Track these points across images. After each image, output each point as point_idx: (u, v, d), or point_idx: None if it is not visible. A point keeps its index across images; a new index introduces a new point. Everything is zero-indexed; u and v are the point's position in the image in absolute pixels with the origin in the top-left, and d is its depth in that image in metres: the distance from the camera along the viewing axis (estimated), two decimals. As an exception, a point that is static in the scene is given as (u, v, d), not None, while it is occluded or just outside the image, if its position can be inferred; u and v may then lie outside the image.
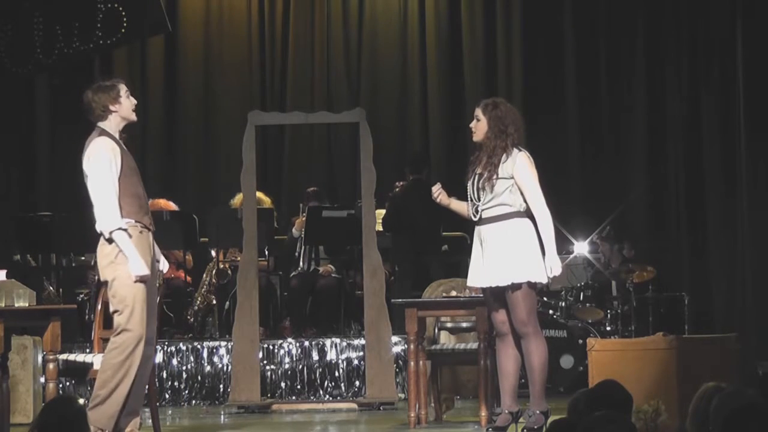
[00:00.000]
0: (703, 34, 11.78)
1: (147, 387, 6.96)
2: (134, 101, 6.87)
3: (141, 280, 6.58)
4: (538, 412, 7.06)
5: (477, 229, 7.14)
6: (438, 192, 7.28)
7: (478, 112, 7.18)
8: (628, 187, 12.03)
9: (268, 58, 13.06)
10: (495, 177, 7.01)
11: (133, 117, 6.84)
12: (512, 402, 7.16)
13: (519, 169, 7.04)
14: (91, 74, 11.70)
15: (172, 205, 11.30)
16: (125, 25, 10.48)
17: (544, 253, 7.05)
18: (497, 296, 7.10)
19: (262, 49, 13.06)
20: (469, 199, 7.18)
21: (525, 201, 7.07)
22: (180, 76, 13.04)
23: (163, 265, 6.97)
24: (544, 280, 7.12)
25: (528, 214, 7.09)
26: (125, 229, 6.61)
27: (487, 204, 7.06)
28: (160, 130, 12.96)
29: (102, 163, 6.63)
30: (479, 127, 7.16)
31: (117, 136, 6.77)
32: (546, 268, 7.00)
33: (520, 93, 12.57)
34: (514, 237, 7.01)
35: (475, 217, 7.12)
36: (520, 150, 7.07)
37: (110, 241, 6.61)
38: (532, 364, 7.07)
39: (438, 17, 12.84)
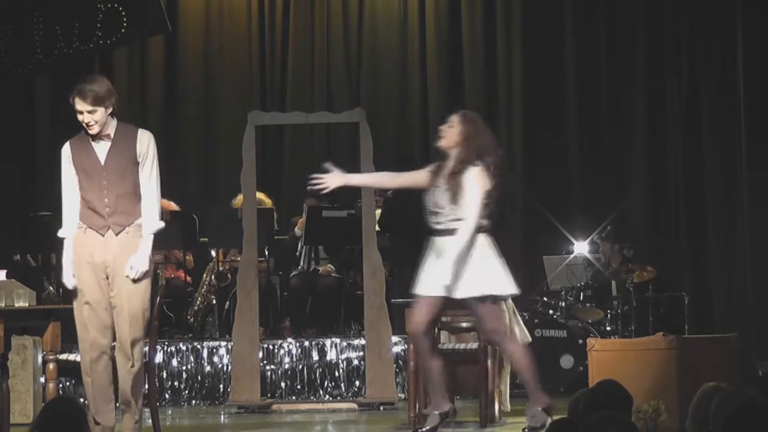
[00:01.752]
0: (703, 34, 11.78)
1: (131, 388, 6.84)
2: (84, 121, 6.69)
3: (69, 291, 6.73)
4: (539, 409, 7.03)
5: (434, 239, 7.06)
6: (320, 183, 7.14)
7: (454, 118, 7.09)
8: (628, 187, 12.03)
9: (268, 58, 13.05)
10: (459, 190, 6.95)
11: (88, 131, 6.72)
12: (442, 401, 7.10)
13: (469, 181, 6.96)
14: (91, 74, 11.68)
15: (173, 205, 11.30)
16: (125, 25, 10.48)
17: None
18: (430, 302, 7.01)
19: (262, 49, 13.05)
20: (426, 207, 7.11)
21: (487, 216, 7.00)
22: (180, 76, 13.03)
23: (131, 267, 6.68)
24: (507, 293, 7.07)
25: (488, 229, 7.02)
26: (63, 237, 6.79)
27: (449, 216, 6.99)
28: (160, 130, 12.93)
29: (61, 170, 6.83)
30: (450, 133, 7.05)
31: (89, 137, 6.74)
32: (448, 285, 6.91)
33: (520, 93, 12.57)
34: (480, 250, 6.96)
35: (433, 226, 7.06)
36: (475, 165, 6.98)
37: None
38: (518, 367, 7.06)
39: (438, 17, 12.83)
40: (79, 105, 6.68)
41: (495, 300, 7.02)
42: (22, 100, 12.44)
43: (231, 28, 13.05)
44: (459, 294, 6.94)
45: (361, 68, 13.01)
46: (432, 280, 7.03)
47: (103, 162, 6.73)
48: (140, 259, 6.69)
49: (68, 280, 6.73)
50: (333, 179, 7.21)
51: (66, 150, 6.80)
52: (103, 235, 6.70)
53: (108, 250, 6.69)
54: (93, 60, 12.21)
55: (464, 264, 6.91)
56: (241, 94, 12.93)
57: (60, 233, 6.81)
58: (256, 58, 13.03)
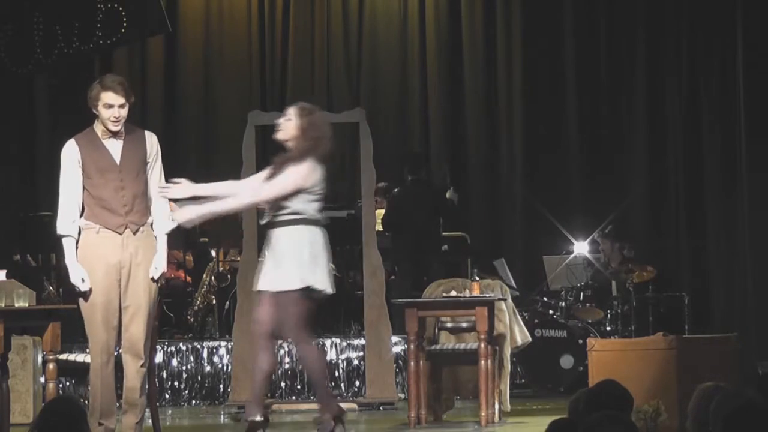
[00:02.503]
0: (703, 34, 11.78)
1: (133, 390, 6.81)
2: (114, 114, 6.64)
3: (80, 293, 6.59)
4: (328, 415, 6.92)
5: (267, 232, 6.95)
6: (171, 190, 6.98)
7: (292, 111, 6.97)
8: (628, 187, 12.03)
9: (268, 58, 13.06)
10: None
11: (111, 127, 6.65)
12: (256, 410, 6.95)
13: (291, 171, 6.84)
14: (92, 74, 11.69)
15: (173, 206, 11.28)
16: (125, 25, 10.48)
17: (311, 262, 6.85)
18: (270, 300, 6.90)
19: (262, 49, 13.06)
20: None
21: (318, 210, 6.91)
22: (180, 76, 13.04)
23: (156, 268, 6.75)
24: (318, 287, 6.85)
25: (317, 222, 6.92)
26: (68, 236, 6.64)
27: (283, 209, 6.87)
28: (160, 130, 12.91)
29: (61, 168, 6.72)
30: (288, 126, 6.93)
31: (100, 134, 6.69)
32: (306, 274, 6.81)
33: (520, 93, 12.57)
34: (298, 244, 6.82)
35: (264, 219, 6.98)
36: (304, 161, 6.87)
37: (81, 237, 6.69)
38: (308, 370, 6.92)
39: (438, 17, 12.84)
40: (111, 98, 6.64)
41: (304, 294, 6.84)
42: (22, 100, 12.44)
43: (231, 28, 13.06)
44: (262, 286, 6.84)
45: (361, 68, 13.02)
46: (259, 275, 6.95)
47: (119, 161, 6.70)
48: (162, 260, 6.74)
49: (80, 281, 6.59)
50: (181, 189, 7.03)
51: (72, 148, 6.68)
52: (120, 234, 6.66)
53: (125, 250, 6.66)
54: (93, 60, 12.22)
55: (277, 256, 6.81)
56: (241, 94, 12.93)
57: (63, 230, 6.66)
58: (256, 58, 13.04)
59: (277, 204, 6.87)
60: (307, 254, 6.83)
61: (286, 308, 6.83)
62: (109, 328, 6.62)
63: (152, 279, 6.69)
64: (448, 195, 11.35)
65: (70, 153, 6.69)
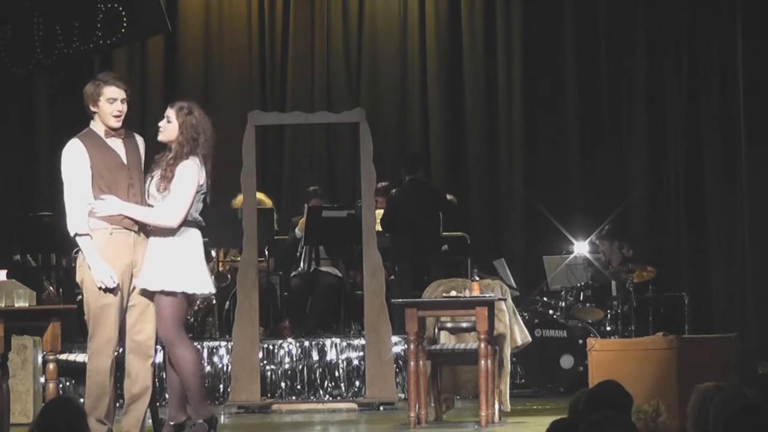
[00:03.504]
0: (703, 34, 11.78)
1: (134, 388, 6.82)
2: (117, 108, 6.66)
3: (106, 288, 6.55)
4: (200, 421, 6.84)
5: (147, 232, 6.84)
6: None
7: (171, 113, 6.87)
8: (628, 187, 12.03)
9: (268, 58, 13.06)
10: (160, 184, 6.78)
11: (111, 123, 6.66)
12: (177, 412, 6.90)
13: (177, 176, 6.76)
14: (92, 74, 11.68)
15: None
16: (125, 25, 10.48)
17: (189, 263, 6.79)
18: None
19: (262, 49, 13.06)
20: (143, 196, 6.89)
21: (197, 211, 6.85)
22: (180, 76, 13.04)
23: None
24: (190, 291, 6.77)
25: (195, 224, 6.87)
26: (86, 234, 6.58)
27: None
28: (160, 130, 12.94)
29: (66, 168, 6.64)
30: (169, 128, 6.85)
31: (103, 134, 6.70)
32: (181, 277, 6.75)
33: (520, 93, 12.58)
34: (178, 245, 6.76)
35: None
36: (187, 159, 6.78)
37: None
38: (184, 375, 6.81)
39: (438, 18, 12.84)
40: (114, 92, 6.66)
41: (179, 296, 6.76)
42: (22, 100, 12.44)
43: (231, 28, 13.06)
44: (139, 284, 6.75)
45: (361, 68, 13.02)
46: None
47: (125, 160, 6.72)
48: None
49: (109, 279, 6.53)
50: (108, 206, 6.76)
51: (80, 147, 6.65)
52: (133, 232, 6.67)
53: (137, 249, 6.68)
54: (93, 60, 12.21)
55: (161, 255, 6.75)
56: (241, 94, 12.93)
57: (79, 229, 6.58)
58: (256, 58, 13.04)
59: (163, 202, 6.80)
60: (190, 255, 6.78)
61: (161, 309, 6.74)
62: (118, 328, 6.62)
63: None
64: (449, 197, 11.37)
65: (78, 152, 6.65)
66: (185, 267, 6.75)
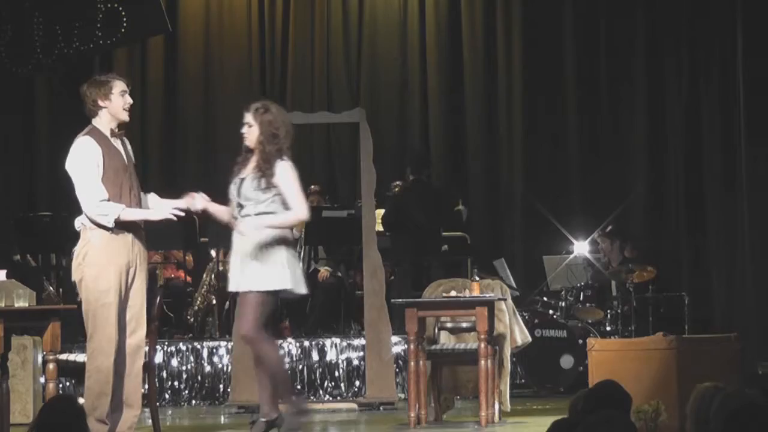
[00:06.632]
0: (703, 34, 11.78)
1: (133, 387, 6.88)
2: (128, 101, 6.77)
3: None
4: (292, 412, 7.03)
5: (237, 233, 7.05)
6: (195, 202, 7.06)
7: (249, 116, 7.09)
8: (628, 187, 12.03)
9: (268, 58, 13.06)
10: (261, 183, 6.97)
11: (124, 116, 6.73)
12: (269, 409, 7.08)
13: (281, 177, 6.98)
14: (92, 74, 11.67)
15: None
16: (125, 25, 10.48)
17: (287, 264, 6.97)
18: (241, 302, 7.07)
19: (262, 49, 13.06)
20: (232, 202, 7.12)
21: (287, 208, 7.01)
22: (180, 76, 13.04)
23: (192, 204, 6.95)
24: (274, 288, 6.97)
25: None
26: (119, 214, 6.58)
27: (250, 210, 7.00)
28: (160, 130, 12.96)
29: (80, 165, 6.63)
30: (251, 132, 7.06)
31: (108, 134, 6.72)
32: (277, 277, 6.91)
33: (520, 93, 12.57)
34: (268, 246, 6.93)
35: (235, 220, 7.06)
36: (283, 159, 7.01)
37: (90, 236, 6.63)
38: (268, 370, 7.02)
39: (438, 17, 12.84)
40: (124, 86, 6.77)
41: (264, 295, 6.96)
42: (22, 100, 12.44)
43: (231, 28, 13.06)
44: (234, 287, 6.99)
45: (361, 68, 13.02)
46: (232, 274, 7.08)
47: (126, 160, 6.77)
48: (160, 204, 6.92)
49: (169, 212, 6.69)
50: (199, 201, 7.09)
51: (93, 145, 6.63)
52: (133, 233, 6.70)
53: (133, 249, 6.70)
54: (93, 60, 12.21)
55: (262, 257, 6.92)
56: (241, 94, 12.92)
57: (117, 212, 6.56)
58: (256, 59, 13.04)
59: (259, 204, 6.98)
60: (277, 256, 6.92)
61: (245, 308, 6.95)
62: (118, 327, 6.63)
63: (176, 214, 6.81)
64: (458, 208, 11.36)
65: (92, 149, 6.64)
66: (269, 267, 6.91)
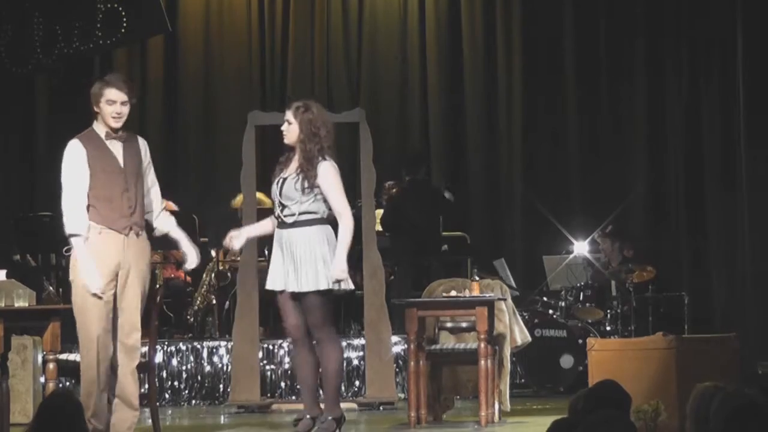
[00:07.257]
0: (703, 34, 11.78)
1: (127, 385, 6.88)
2: (115, 111, 6.67)
3: (92, 294, 6.56)
4: (330, 418, 7.11)
5: (279, 232, 7.14)
6: (230, 240, 7.33)
7: (289, 114, 7.16)
8: (628, 187, 12.03)
9: (268, 58, 13.06)
10: (303, 183, 7.05)
11: (112, 123, 6.68)
12: (312, 406, 7.19)
13: (324, 178, 7.06)
14: (91, 74, 11.70)
15: (173, 206, 11.29)
16: (125, 25, 10.48)
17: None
18: (295, 301, 7.12)
19: (262, 49, 13.06)
20: (274, 201, 7.22)
21: (329, 208, 7.10)
22: (180, 76, 13.04)
23: (191, 261, 6.98)
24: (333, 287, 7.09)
25: (329, 221, 7.11)
26: (80, 235, 6.61)
27: (293, 209, 7.06)
28: (160, 130, 12.95)
29: (65, 168, 6.70)
30: (291, 130, 7.13)
31: (104, 136, 6.71)
32: (329, 274, 7.03)
33: (520, 93, 12.57)
34: (317, 244, 7.04)
35: (278, 220, 7.14)
36: (325, 159, 7.09)
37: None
38: (326, 369, 7.14)
39: (438, 17, 12.83)
40: (114, 94, 6.68)
41: (328, 293, 7.09)
42: (22, 100, 12.44)
43: (231, 28, 13.06)
44: (297, 287, 7.06)
45: (361, 68, 13.02)
46: (278, 274, 7.13)
47: (122, 163, 6.73)
48: (190, 248, 6.97)
49: (97, 282, 6.57)
50: (237, 241, 7.38)
51: (78, 148, 6.67)
52: (126, 236, 6.67)
53: (126, 251, 6.67)
54: (93, 60, 12.22)
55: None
56: (241, 94, 12.93)
57: (76, 229, 6.62)
58: (256, 58, 13.04)
59: (302, 204, 7.08)
60: (329, 253, 7.03)
61: (312, 306, 7.07)
62: (106, 327, 6.62)
63: (187, 268, 7.00)
64: (446, 194, 11.37)
65: (77, 152, 6.67)
66: (327, 265, 7.03)
